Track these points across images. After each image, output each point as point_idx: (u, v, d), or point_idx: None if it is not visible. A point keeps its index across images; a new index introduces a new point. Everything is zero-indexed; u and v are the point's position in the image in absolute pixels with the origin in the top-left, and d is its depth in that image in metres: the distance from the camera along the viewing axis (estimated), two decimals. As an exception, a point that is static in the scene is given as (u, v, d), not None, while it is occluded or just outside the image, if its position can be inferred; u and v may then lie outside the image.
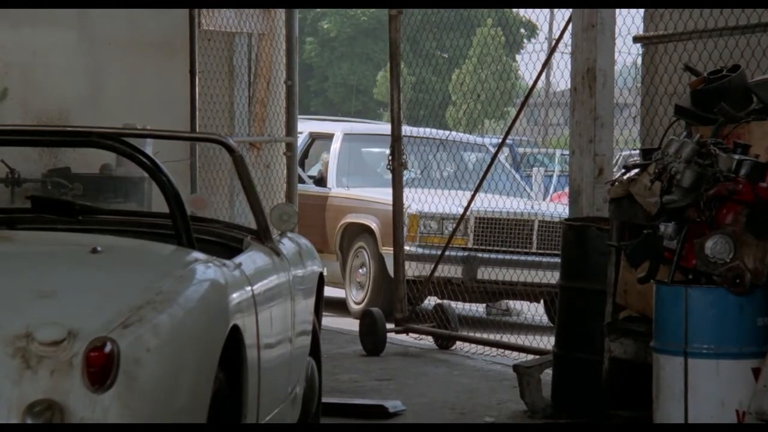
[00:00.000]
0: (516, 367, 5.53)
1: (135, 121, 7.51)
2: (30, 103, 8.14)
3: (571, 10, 5.87)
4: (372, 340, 7.22)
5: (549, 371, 5.34)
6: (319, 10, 35.08)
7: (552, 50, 7.30)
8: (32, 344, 2.93)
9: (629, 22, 5.98)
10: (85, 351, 2.94)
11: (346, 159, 9.85)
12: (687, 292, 3.94)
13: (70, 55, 8.30)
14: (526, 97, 7.43)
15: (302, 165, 9.76)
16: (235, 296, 3.55)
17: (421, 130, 9.40)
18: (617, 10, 5.79)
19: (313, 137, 10.36)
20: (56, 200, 4.90)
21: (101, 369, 2.93)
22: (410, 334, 7.58)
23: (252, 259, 3.97)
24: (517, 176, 10.58)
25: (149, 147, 6.16)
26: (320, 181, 9.82)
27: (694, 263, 3.96)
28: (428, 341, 7.53)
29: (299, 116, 8.41)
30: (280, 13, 8.49)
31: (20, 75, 8.18)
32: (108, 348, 2.94)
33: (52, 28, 8.25)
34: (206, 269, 3.52)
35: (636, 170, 4.42)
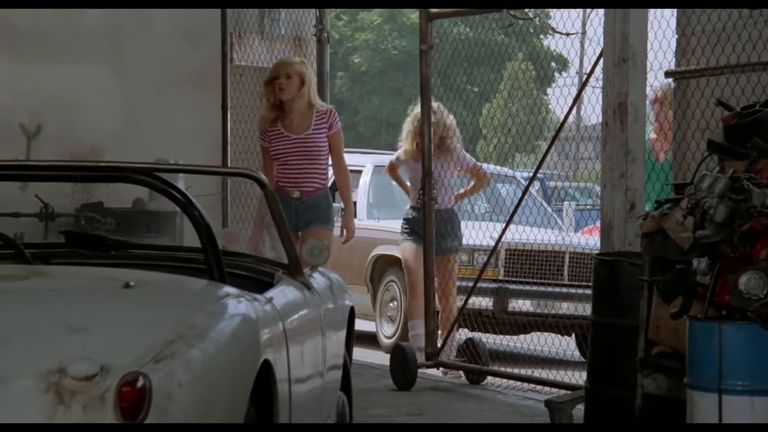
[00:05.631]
0: (548, 403, 5.49)
1: (168, 156, 7.56)
2: (64, 138, 8.22)
3: (602, 45, 5.87)
4: (403, 374, 7.19)
5: (581, 407, 5.30)
6: (350, 44, 35.27)
7: (583, 85, 7.30)
8: (65, 379, 2.94)
9: (661, 57, 5.98)
10: (118, 386, 2.95)
11: (376, 191, 9.85)
12: (720, 328, 3.91)
13: (105, 91, 8.39)
14: (558, 131, 7.43)
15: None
16: (267, 331, 3.55)
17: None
18: (649, 45, 5.79)
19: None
20: (89, 235, 4.95)
21: (133, 404, 2.94)
22: (441, 369, 7.55)
23: (283, 293, 3.97)
24: (548, 208, 10.55)
25: (181, 182, 6.20)
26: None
27: (727, 299, 3.93)
28: (459, 376, 7.50)
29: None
30: (312, 48, 8.55)
31: (55, 111, 8.26)
32: (140, 383, 2.95)
33: (87, 65, 8.35)
34: (238, 304, 3.53)
35: (668, 205, 4.40)
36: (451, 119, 8.06)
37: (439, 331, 7.91)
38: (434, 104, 7.98)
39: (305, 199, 6.87)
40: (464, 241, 8.65)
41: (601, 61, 6.00)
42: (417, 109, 8.12)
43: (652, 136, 7.70)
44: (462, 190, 8.26)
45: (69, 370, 2.95)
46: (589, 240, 9.25)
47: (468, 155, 8.30)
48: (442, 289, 7.84)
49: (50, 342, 3.07)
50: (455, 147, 8.04)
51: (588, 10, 7.20)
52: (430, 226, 7.61)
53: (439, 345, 7.55)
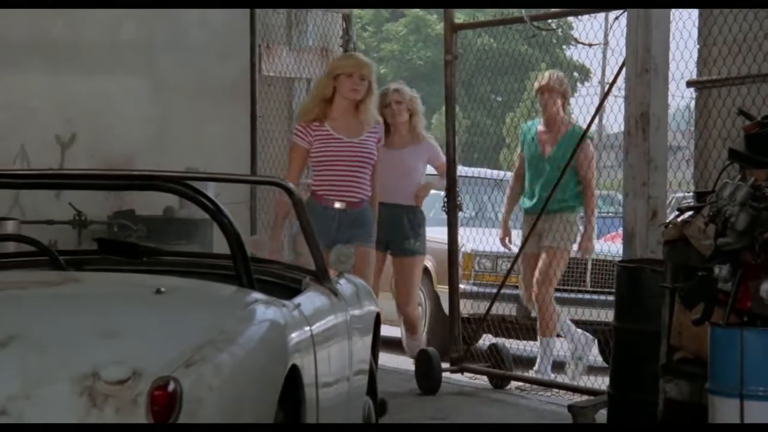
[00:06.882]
0: (571, 408, 5.48)
1: (198, 164, 7.60)
2: (98, 148, 8.28)
3: (624, 56, 5.85)
4: (427, 379, 7.18)
5: (603, 412, 5.28)
6: (376, 55, 35.29)
7: (606, 95, 7.27)
8: (98, 383, 2.96)
9: (682, 67, 5.97)
10: (150, 390, 2.96)
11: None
12: (742, 335, 3.89)
13: (137, 102, 8.45)
14: (580, 140, 7.41)
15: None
16: (294, 336, 3.56)
17: (476, 170, 9.38)
18: (670, 55, 5.77)
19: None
20: (122, 242, 4.96)
21: (165, 407, 2.96)
22: (465, 374, 7.55)
23: (310, 299, 3.98)
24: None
25: (211, 190, 6.23)
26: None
27: (749, 306, 3.91)
28: (483, 380, 7.49)
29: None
30: (338, 59, 8.56)
31: (90, 121, 8.33)
32: (171, 387, 2.97)
33: (121, 77, 8.41)
34: (266, 309, 3.54)
35: (690, 213, 4.39)
36: (417, 99, 7.30)
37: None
38: (394, 85, 7.31)
39: (349, 212, 6.12)
40: (489, 248, 8.62)
41: (623, 71, 5.98)
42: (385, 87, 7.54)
43: (540, 128, 7.59)
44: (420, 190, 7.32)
45: (102, 374, 2.97)
46: (612, 247, 9.23)
47: (438, 147, 7.41)
48: (403, 295, 7.24)
49: (84, 347, 3.09)
50: (423, 134, 7.41)
51: (610, 20, 7.18)
52: (455, 234, 7.59)
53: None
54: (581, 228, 7.57)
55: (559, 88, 7.44)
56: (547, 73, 7.55)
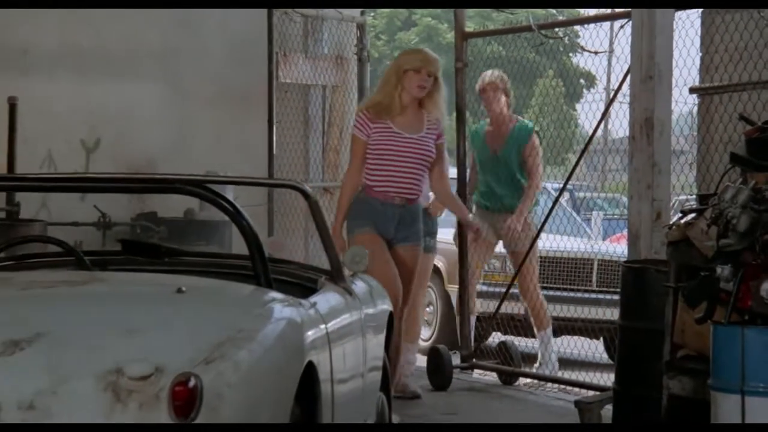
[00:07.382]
0: (577, 403, 5.47)
1: (217, 168, 7.63)
2: (121, 152, 8.32)
3: (629, 63, 5.85)
4: (438, 376, 7.19)
5: (609, 407, 5.28)
6: (389, 62, 35.29)
7: (611, 101, 7.26)
8: (122, 379, 2.98)
9: (685, 73, 5.97)
10: (171, 385, 2.98)
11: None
12: (743, 333, 3.88)
13: (159, 107, 8.49)
14: (586, 145, 7.40)
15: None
16: (311, 334, 3.57)
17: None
18: (674, 62, 5.77)
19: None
20: (144, 243, 4.98)
21: (186, 403, 2.97)
22: (475, 370, 7.55)
23: (326, 298, 3.99)
24: (578, 218, 10.52)
25: (230, 193, 6.23)
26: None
27: (750, 304, 3.91)
28: (492, 377, 7.49)
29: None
30: (353, 67, 8.59)
31: (112, 126, 8.37)
32: (192, 383, 2.98)
33: (143, 84, 8.45)
34: (283, 308, 3.55)
35: (693, 215, 4.39)
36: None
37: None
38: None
39: (408, 208, 5.81)
40: (498, 249, 8.61)
41: (628, 77, 5.98)
42: None
43: (488, 128, 7.48)
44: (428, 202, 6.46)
45: (126, 370, 2.98)
46: (617, 248, 9.22)
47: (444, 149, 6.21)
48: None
49: (108, 344, 3.10)
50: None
51: (615, 29, 7.19)
52: (465, 235, 7.59)
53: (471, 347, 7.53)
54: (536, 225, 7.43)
55: (501, 84, 7.34)
56: (486, 73, 7.46)
